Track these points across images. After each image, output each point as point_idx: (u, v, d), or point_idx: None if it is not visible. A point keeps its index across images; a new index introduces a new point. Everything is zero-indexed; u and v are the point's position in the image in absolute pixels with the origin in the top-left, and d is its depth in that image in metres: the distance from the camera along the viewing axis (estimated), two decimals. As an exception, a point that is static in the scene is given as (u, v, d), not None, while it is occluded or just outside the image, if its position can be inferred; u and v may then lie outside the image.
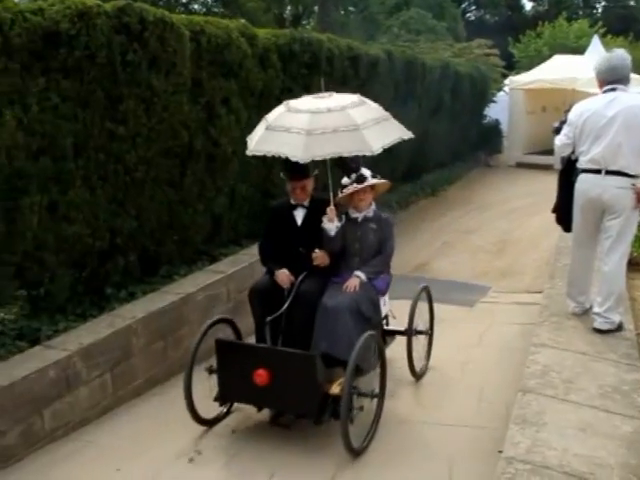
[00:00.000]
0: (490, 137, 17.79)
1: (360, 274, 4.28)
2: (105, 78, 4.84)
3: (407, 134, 4.34)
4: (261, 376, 3.81)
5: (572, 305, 4.76)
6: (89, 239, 4.87)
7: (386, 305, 4.64)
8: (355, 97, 4.32)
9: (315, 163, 4.20)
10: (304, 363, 3.84)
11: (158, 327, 4.83)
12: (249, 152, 4.24)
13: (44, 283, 4.70)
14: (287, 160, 4.05)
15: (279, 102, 4.48)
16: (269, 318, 4.07)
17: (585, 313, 4.70)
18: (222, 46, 5.98)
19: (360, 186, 4.32)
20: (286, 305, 4.13)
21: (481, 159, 17.20)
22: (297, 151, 3.93)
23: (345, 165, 4.33)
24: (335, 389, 3.81)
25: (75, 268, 4.92)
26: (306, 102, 4.26)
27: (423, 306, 4.99)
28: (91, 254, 4.96)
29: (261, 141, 4.17)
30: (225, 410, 4.26)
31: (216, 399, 4.12)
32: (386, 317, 4.76)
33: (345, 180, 4.41)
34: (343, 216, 4.44)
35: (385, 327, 4.75)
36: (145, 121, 5.20)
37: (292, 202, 4.46)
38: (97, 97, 4.82)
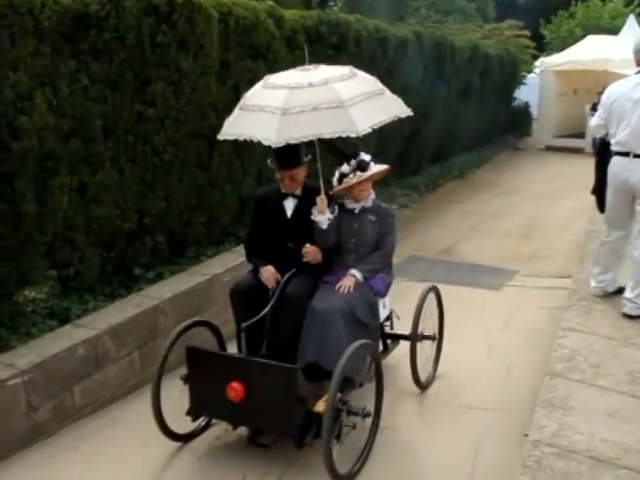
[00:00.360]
0: (519, 120, 17.55)
1: (356, 273, 3.82)
2: (134, 60, 4.86)
3: (405, 111, 3.78)
4: (235, 390, 3.36)
5: (593, 284, 4.78)
6: (118, 220, 4.93)
7: (386, 308, 4.21)
8: (345, 69, 3.78)
9: (307, 146, 3.77)
10: (283, 377, 3.36)
11: (185, 307, 4.88)
12: (220, 136, 3.73)
13: (74, 263, 4.77)
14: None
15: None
16: (244, 324, 3.65)
17: (606, 295, 4.68)
18: (250, 28, 5.97)
19: (366, 175, 3.85)
20: (268, 308, 3.68)
21: (510, 142, 16.98)
22: (270, 133, 3.41)
23: (337, 150, 3.90)
24: (321, 406, 3.34)
25: (104, 249, 4.98)
26: (287, 76, 3.73)
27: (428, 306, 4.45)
28: (120, 235, 5.02)
29: (234, 123, 3.68)
30: (203, 424, 3.81)
31: (188, 413, 3.65)
32: (389, 319, 4.38)
33: (345, 168, 3.90)
34: (336, 207, 3.93)
35: (387, 330, 4.35)
36: (174, 103, 5.22)
37: (282, 190, 3.95)
38: (126, 79, 4.85)
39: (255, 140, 3.49)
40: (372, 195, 4.03)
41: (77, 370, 4.05)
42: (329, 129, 3.42)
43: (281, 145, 3.43)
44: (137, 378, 4.52)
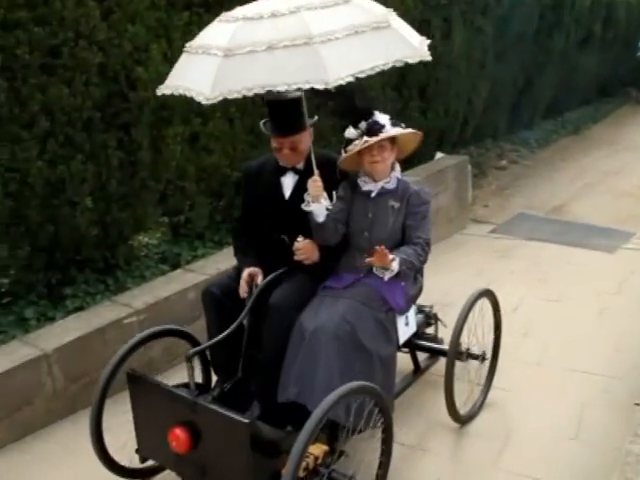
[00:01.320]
0: (644, 71, 16.36)
1: (395, 259, 2.86)
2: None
3: (416, 54, 2.69)
4: (178, 439, 2.55)
5: None
6: (227, 169, 5.05)
7: (410, 325, 3.20)
8: None
9: (310, 106, 2.92)
10: (234, 431, 2.47)
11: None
12: (158, 91, 2.89)
13: (184, 211, 4.96)
14: (269, 103, 2.86)
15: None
16: (192, 352, 2.76)
17: None
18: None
19: (373, 139, 2.90)
20: (237, 323, 2.81)
21: (632, 95, 15.88)
22: (205, 85, 2.54)
23: (345, 109, 3.04)
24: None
25: (213, 197, 5.14)
26: (253, 6, 2.74)
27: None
28: (228, 184, 5.14)
29: (175, 72, 2.87)
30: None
31: (137, 451, 2.87)
32: (432, 323, 3.59)
33: (350, 132, 3.02)
34: (334, 192, 3.03)
35: (423, 342, 3.50)
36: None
37: (280, 163, 3.10)
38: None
39: (189, 96, 2.65)
40: (397, 172, 3.10)
41: (187, 313, 4.21)
42: (285, 78, 2.46)
43: (216, 101, 2.54)
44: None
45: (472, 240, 6.42)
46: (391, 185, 3.06)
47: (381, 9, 2.77)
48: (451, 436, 3.37)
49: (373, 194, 3.05)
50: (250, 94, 2.50)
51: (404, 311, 3.09)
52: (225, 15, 2.75)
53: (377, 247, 2.82)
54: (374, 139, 2.91)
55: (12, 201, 3.80)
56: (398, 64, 2.63)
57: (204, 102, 2.54)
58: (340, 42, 2.49)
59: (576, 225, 6.94)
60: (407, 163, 6.80)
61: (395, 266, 2.88)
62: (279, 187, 3.08)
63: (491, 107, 8.81)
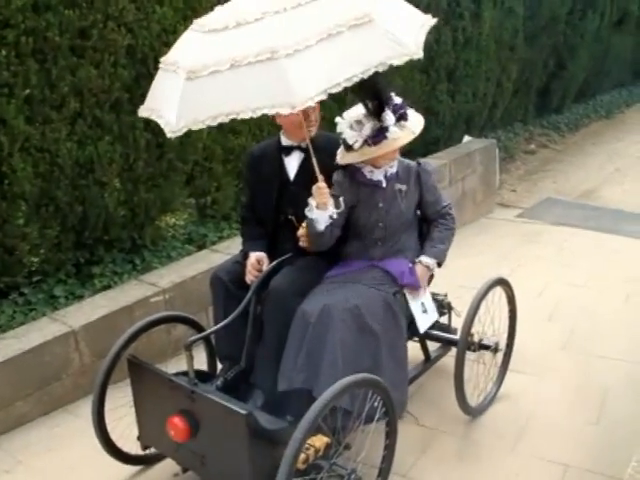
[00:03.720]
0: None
1: (428, 260, 2.90)
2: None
3: (402, 53, 2.31)
4: (176, 428, 2.51)
5: None
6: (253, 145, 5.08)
7: (429, 313, 3.05)
8: None
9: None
10: (232, 422, 2.41)
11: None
12: (139, 113, 2.68)
13: (211, 192, 5.01)
14: None
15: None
16: (190, 340, 2.65)
17: None
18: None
19: (377, 153, 2.73)
20: (240, 308, 2.75)
21: (668, 78, 15.53)
22: (171, 114, 2.35)
23: (365, 84, 2.43)
24: (301, 462, 2.32)
25: (239, 179, 5.17)
26: (224, 11, 2.52)
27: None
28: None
29: (152, 91, 2.67)
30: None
31: (139, 438, 2.88)
32: (445, 312, 3.44)
33: (348, 134, 2.76)
34: (341, 199, 2.83)
35: (434, 331, 3.34)
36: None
37: (283, 143, 3.01)
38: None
39: (159, 123, 2.43)
40: (396, 154, 2.93)
41: (212, 293, 4.30)
42: (250, 103, 2.20)
43: (181, 133, 2.33)
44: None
45: (499, 224, 6.38)
46: (394, 169, 2.93)
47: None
48: (470, 419, 3.37)
49: (383, 183, 2.89)
50: (215, 123, 2.30)
51: (418, 287, 2.94)
52: (197, 23, 2.56)
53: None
54: (378, 152, 2.74)
55: (42, 181, 3.88)
56: (381, 68, 2.31)
57: (170, 135, 2.37)
58: (309, 52, 2.19)
59: (606, 210, 6.85)
60: (434, 145, 6.80)
61: (432, 263, 2.94)
62: (283, 168, 3.00)
63: (521, 90, 8.70)
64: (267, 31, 2.24)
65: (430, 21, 2.59)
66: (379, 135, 2.70)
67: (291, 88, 2.15)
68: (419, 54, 2.38)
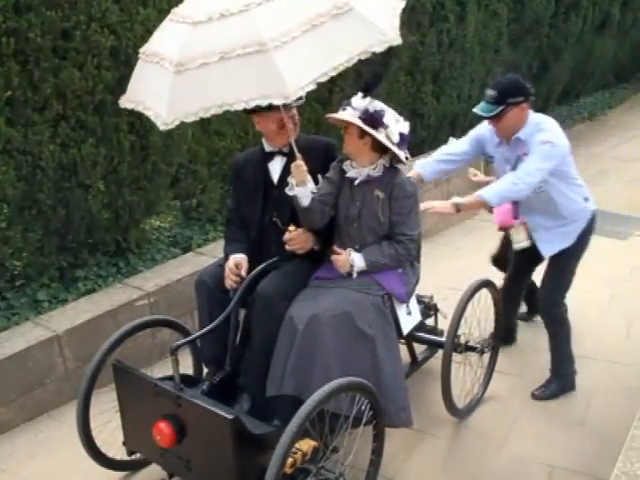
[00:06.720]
0: (663, 56, 16.12)
1: (357, 259, 2.83)
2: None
3: (382, 40, 2.38)
4: (162, 433, 2.48)
5: None
6: (238, 153, 5.05)
7: (413, 315, 3.07)
8: None
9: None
10: (218, 426, 2.39)
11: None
12: (121, 103, 2.74)
13: (196, 194, 4.98)
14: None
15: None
16: (175, 345, 2.62)
17: None
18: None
19: (341, 115, 2.77)
20: (224, 315, 2.73)
21: (649, 81, 15.70)
22: (161, 107, 2.40)
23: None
24: (289, 466, 2.32)
25: (224, 181, 5.15)
26: (202, 2, 2.50)
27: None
28: (239, 168, 5.15)
29: (134, 81, 2.68)
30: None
31: (124, 444, 2.86)
32: (432, 314, 3.52)
33: (357, 101, 2.81)
34: (320, 176, 2.92)
35: (420, 333, 3.39)
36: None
37: (266, 149, 3.07)
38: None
39: (148, 115, 2.48)
40: (383, 160, 2.87)
41: (197, 296, 4.28)
42: (242, 94, 2.28)
43: (173, 126, 2.39)
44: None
45: (485, 226, 6.36)
46: (377, 173, 2.86)
47: None
48: (457, 421, 3.38)
49: (357, 182, 2.88)
50: (207, 115, 2.37)
51: (404, 299, 2.95)
52: (175, 14, 2.55)
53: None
54: (341, 115, 2.75)
55: (25, 184, 3.83)
56: (364, 56, 2.38)
57: (162, 128, 2.42)
58: (296, 43, 2.28)
59: (589, 211, 6.88)
60: (419, 147, 6.81)
61: (359, 265, 2.83)
62: (267, 172, 3.04)
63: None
64: (252, 23, 2.30)
65: (400, 4, 2.61)
66: (345, 105, 2.79)
67: (282, 79, 2.24)
68: (398, 40, 2.44)
